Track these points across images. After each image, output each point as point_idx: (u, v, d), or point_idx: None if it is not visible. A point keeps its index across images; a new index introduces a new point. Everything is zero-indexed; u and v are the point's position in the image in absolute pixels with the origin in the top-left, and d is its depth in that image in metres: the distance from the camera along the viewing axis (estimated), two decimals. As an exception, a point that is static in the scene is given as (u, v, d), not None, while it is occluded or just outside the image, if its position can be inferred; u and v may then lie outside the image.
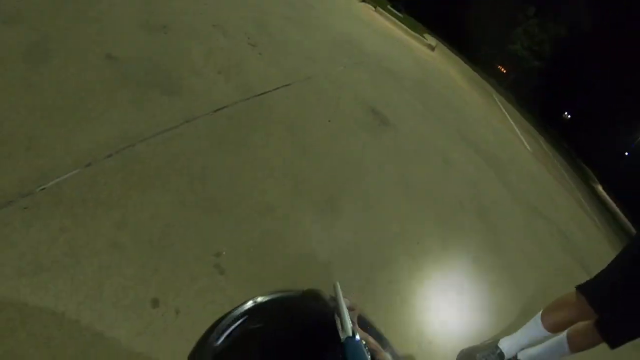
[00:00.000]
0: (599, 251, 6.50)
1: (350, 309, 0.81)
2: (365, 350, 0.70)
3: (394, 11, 12.26)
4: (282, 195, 2.04)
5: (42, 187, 1.34)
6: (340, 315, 0.77)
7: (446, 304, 2.24)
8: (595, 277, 1.69)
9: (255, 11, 4.24)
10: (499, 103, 16.10)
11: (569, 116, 47.43)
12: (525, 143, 11.05)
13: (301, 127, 2.69)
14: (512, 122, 13.13)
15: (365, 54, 5.48)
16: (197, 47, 2.76)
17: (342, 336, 0.72)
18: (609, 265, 1.68)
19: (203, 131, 2.09)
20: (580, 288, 1.68)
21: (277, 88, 2.91)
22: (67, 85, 1.83)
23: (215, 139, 2.08)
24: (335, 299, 0.82)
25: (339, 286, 0.84)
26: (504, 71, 38.19)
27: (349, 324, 0.74)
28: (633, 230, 20.40)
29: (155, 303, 1.26)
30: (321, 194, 2.24)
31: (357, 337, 0.72)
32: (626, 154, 40.36)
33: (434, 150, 4.16)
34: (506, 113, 14.63)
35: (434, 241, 2.65)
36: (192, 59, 2.61)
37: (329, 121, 2.98)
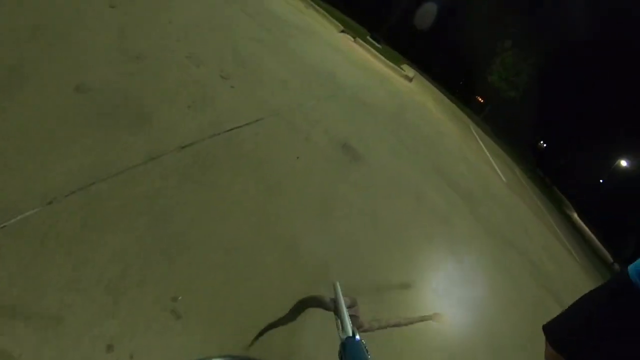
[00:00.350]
0: (574, 281, 6.57)
1: (350, 307, 0.82)
2: (365, 350, 0.69)
3: (373, 42, 12.58)
4: (245, 236, 2.00)
5: (3, 225, 1.33)
6: (339, 315, 0.77)
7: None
8: (562, 313, 1.31)
9: (233, 38, 4.28)
10: (475, 134, 16.52)
11: (544, 144, 48.96)
12: (500, 173, 11.29)
13: (269, 164, 2.68)
14: (487, 153, 13.44)
15: (340, 86, 5.56)
16: (169, 79, 2.76)
17: (342, 336, 0.72)
18: (580, 299, 1.27)
19: (168, 169, 2.05)
20: (545, 327, 1.29)
21: (248, 124, 2.90)
22: (36, 114, 1.80)
23: (180, 177, 2.05)
24: (335, 299, 0.82)
25: (338, 286, 0.84)
26: (482, 101, 39.40)
27: (348, 324, 0.74)
28: (609, 257, 20.71)
29: (110, 348, 1.23)
30: (285, 234, 2.21)
31: (357, 337, 0.72)
32: (601, 180, 41.71)
33: (407, 186, 4.19)
34: (482, 144, 15.00)
35: (401, 278, 2.63)
36: (163, 91, 2.60)
37: (298, 158, 2.97)
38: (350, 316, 0.78)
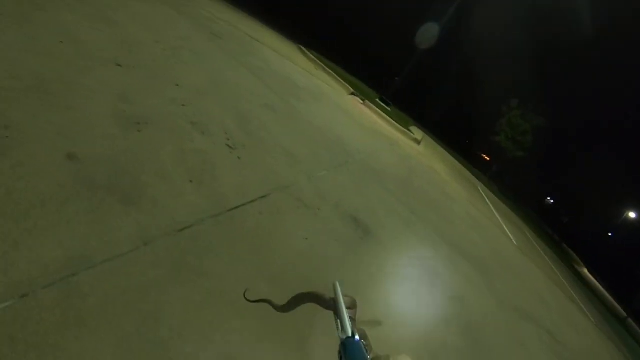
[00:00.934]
0: (591, 346, 6.14)
1: (350, 308, 0.82)
2: (365, 350, 0.69)
3: (382, 104, 12.79)
4: (245, 339, 1.75)
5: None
6: (339, 315, 0.77)
7: None
8: None
9: (241, 103, 4.23)
10: (483, 194, 16.34)
11: (552, 201, 48.64)
12: (511, 236, 10.98)
13: (273, 248, 2.46)
14: (497, 215, 13.18)
15: (349, 153, 5.46)
16: (170, 148, 2.61)
17: (342, 336, 0.73)
18: None
19: (161, 256, 1.84)
20: None
21: (252, 201, 2.73)
22: (19, 186, 1.64)
23: (173, 267, 1.84)
24: (335, 299, 0.82)
25: (338, 286, 0.84)
26: (488, 159, 39.66)
27: (348, 324, 0.74)
28: (622, 312, 20.09)
29: None
30: (291, 332, 1.95)
31: (357, 337, 0.72)
32: (609, 234, 41.07)
33: (419, 263, 3.93)
34: (491, 205, 14.76)
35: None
36: (162, 162, 2.44)
37: (306, 239, 2.76)
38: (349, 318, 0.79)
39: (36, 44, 2.68)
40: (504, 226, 11.90)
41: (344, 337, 0.73)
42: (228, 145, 3.19)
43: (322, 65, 11.89)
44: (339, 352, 0.71)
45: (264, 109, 4.57)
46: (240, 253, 2.22)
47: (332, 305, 0.83)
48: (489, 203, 14.90)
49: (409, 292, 3.23)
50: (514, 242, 10.53)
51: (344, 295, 0.83)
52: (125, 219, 1.88)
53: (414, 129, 14.18)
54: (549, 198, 49.37)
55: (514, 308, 4.82)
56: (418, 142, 12.36)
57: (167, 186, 2.28)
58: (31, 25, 2.89)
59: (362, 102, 11.48)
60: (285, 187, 3.20)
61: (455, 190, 10.39)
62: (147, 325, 1.52)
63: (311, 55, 11.87)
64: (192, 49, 4.80)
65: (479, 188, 17.58)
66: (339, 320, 0.77)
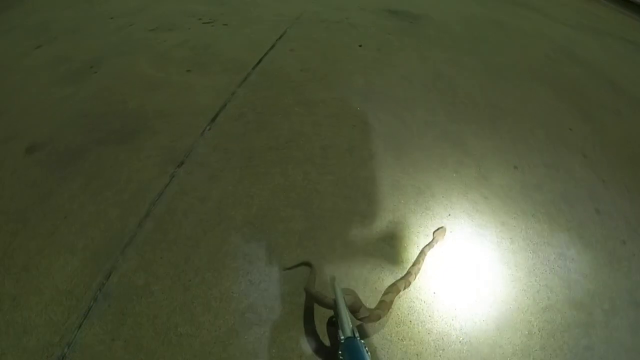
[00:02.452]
0: None
1: (352, 308, 0.84)
2: (365, 350, 0.69)
3: None
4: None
5: None
6: (339, 315, 0.78)
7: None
8: None
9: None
10: None
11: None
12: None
13: (332, 62, 1.88)
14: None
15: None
16: (149, 55, 2.00)
17: (342, 336, 0.73)
18: None
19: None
20: None
21: (273, 46, 2.11)
22: None
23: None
24: (335, 299, 0.82)
25: (338, 286, 0.86)
26: None
27: (348, 324, 0.75)
28: None
29: None
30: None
31: (357, 337, 0.72)
32: None
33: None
34: None
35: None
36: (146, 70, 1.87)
37: (360, 46, 2.16)
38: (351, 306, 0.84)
39: None
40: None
41: (344, 337, 0.73)
42: (206, 23, 2.48)
43: None
44: (339, 352, 0.71)
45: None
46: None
47: (333, 305, 0.84)
48: None
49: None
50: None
51: (345, 294, 0.84)
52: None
53: None
54: None
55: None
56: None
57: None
58: None
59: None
60: (297, 18, 2.52)
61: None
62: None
63: None
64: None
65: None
66: (339, 320, 0.77)
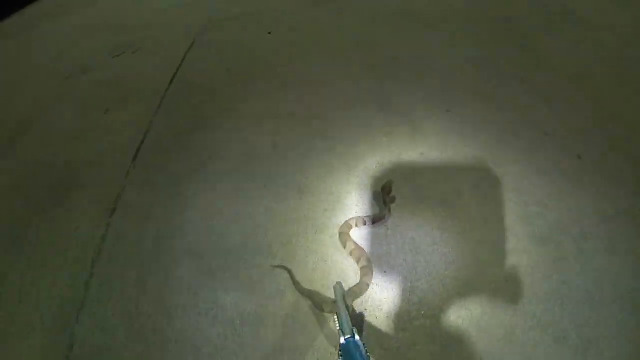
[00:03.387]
0: None
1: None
2: (365, 350, 0.70)
3: None
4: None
5: None
6: (339, 316, 0.77)
7: None
8: None
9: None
10: None
11: None
12: None
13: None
14: None
15: None
16: None
17: (342, 337, 0.73)
18: None
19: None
20: None
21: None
22: None
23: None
24: (335, 301, 0.83)
25: (339, 288, 0.84)
26: None
27: (348, 325, 0.74)
28: None
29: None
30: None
31: (357, 337, 0.72)
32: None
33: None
34: None
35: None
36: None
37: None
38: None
39: None
40: None
41: (344, 337, 0.72)
42: (116, 56, 2.29)
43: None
44: (339, 352, 0.72)
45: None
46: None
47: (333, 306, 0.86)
48: None
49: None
50: None
51: (345, 296, 0.83)
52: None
53: None
54: None
55: None
56: None
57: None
58: None
59: None
60: (204, 23, 2.39)
61: None
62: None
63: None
64: None
65: None
66: (339, 321, 0.77)
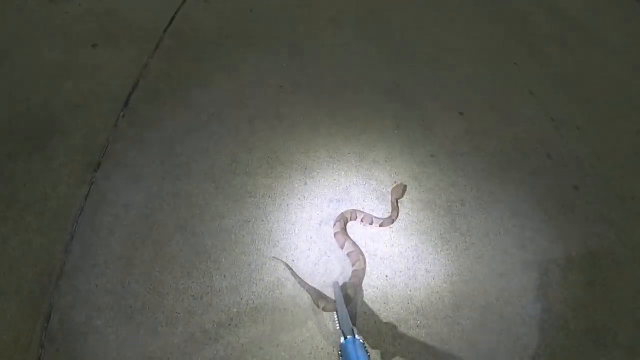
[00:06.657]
0: None
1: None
2: (364, 350, 0.70)
3: None
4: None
5: None
6: (339, 315, 0.79)
7: None
8: None
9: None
10: None
11: None
12: None
13: None
14: None
15: None
16: None
17: (342, 336, 0.74)
18: None
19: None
20: None
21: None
22: None
23: None
24: (335, 300, 0.84)
25: (338, 287, 0.87)
26: None
27: (348, 325, 0.75)
28: None
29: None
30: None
31: (357, 337, 0.73)
32: None
33: None
34: None
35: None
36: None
37: None
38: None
39: None
40: None
41: (344, 337, 0.73)
42: None
43: None
44: (339, 352, 0.72)
45: None
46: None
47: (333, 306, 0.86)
48: None
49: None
50: None
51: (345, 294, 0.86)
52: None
53: None
54: None
55: None
56: None
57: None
58: None
59: None
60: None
61: None
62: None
63: None
64: None
65: None
66: (339, 321, 0.78)
